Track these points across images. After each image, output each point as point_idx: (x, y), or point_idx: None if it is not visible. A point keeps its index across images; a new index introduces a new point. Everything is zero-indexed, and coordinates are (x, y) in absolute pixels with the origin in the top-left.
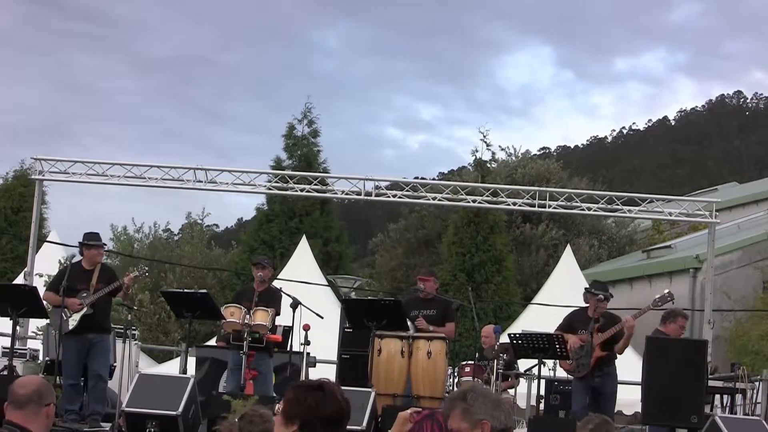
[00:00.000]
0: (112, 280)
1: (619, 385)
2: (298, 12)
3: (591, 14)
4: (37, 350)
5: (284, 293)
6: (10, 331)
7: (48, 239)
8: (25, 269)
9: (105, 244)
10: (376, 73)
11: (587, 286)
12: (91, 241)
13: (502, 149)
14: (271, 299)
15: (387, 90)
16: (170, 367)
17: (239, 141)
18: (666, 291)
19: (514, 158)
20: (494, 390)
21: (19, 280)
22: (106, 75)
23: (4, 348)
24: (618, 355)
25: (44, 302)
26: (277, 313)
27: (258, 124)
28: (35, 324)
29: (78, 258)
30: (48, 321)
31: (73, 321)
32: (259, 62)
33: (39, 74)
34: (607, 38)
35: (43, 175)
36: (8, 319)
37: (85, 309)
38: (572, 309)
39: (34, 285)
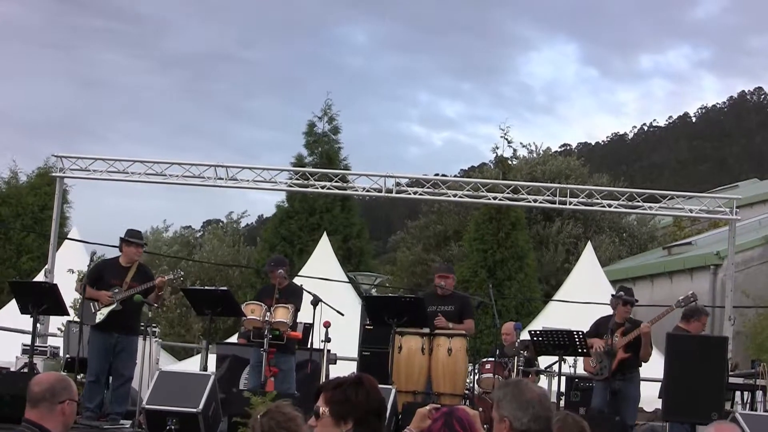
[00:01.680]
0: (147, 280)
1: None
2: (323, 8)
3: (615, 11)
4: (57, 348)
5: (305, 290)
6: (30, 329)
7: (69, 236)
8: (46, 267)
9: (146, 243)
10: (401, 70)
11: (610, 284)
12: (132, 238)
13: (524, 146)
14: (292, 295)
15: (412, 87)
16: (191, 364)
17: (262, 138)
18: (690, 292)
19: (535, 155)
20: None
21: (41, 277)
22: (129, 72)
23: (25, 345)
24: (644, 363)
25: (76, 295)
26: (298, 309)
27: (281, 120)
28: (59, 321)
29: (101, 253)
30: (69, 318)
31: (101, 315)
32: (282, 59)
33: (63, 71)
34: (632, 35)
35: (64, 173)
36: (29, 316)
37: (114, 305)
38: (592, 306)
39: (54, 282)
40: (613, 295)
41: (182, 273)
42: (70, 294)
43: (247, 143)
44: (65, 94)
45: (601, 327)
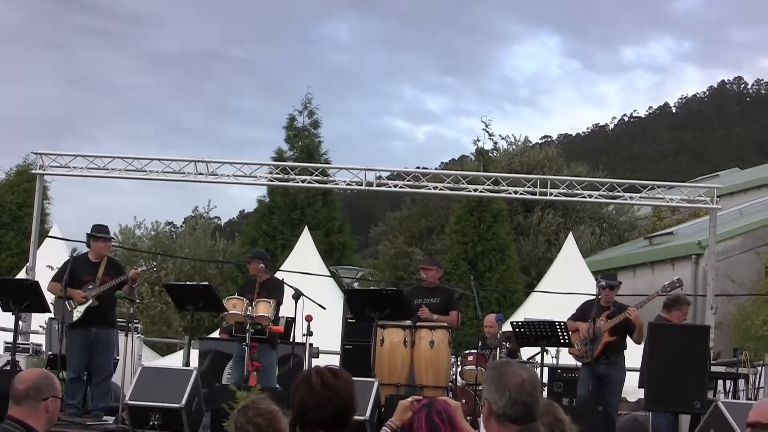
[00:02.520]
0: (119, 273)
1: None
2: (308, 5)
3: (599, 4)
4: (40, 345)
5: (286, 284)
6: (12, 326)
7: (50, 234)
8: (27, 264)
9: (113, 238)
10: (385, 66)
11: (591, 274)
12: (99, 233)
13: (503, 138)
14: (273, 290)
15: (396, 82)
16: (173, 360)
17: (249, 135)
18: (675, 278)
19: (514, 147)
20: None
21: (23, 274)
22: (117, 70)
23: (7, 343)
24: (637, 345)
25: (49, 293)
26: (280, 303)
27: (268, 117)
28: (41, 318)
29: (84, 250)
30: (51, 315)
31: (78, 312)
32: (269, 56)
33: (51, 70)
34: (614, 27)
35: (44, 170)
36: (10, 314)
37: (90, 301)
38: (575, 296)
39: (36, 279)
40: (597, 283)
41: (155, 263)
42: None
43: (235, 141)
44: (52, 93)
45: (586, 310)
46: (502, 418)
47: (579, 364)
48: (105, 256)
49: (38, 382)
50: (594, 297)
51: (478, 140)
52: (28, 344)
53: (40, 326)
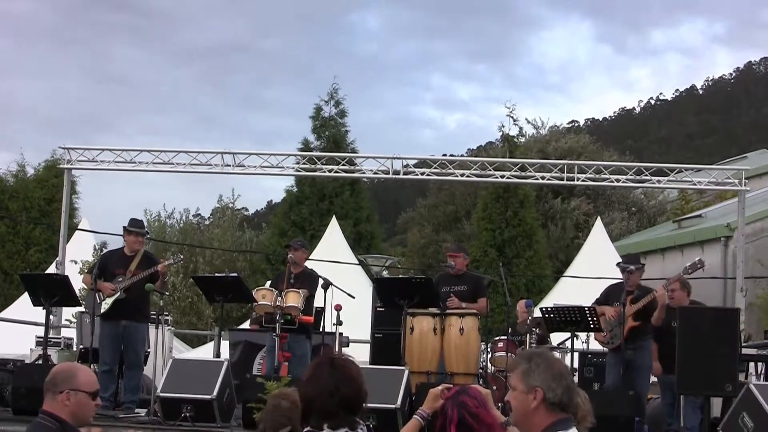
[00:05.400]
0: (151, 267)
1: None
2: None
3: None
4: (71, 339)
5: (319, 276)
6: (43, 320)
7: (79, 227)
8: (57, 258)
9: (147, 233)
10: (415, 54)
11: (619, 259)
12: (133, 227)
13: (529, 122)
14: (306, 280)
15: (426, 70)
16: (204, 352)
17: (278, 126)
18: (697, 258)
19: (542, 132)
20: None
21: (52, 269)
22: (145, 65)
23: (38, 337)
24: (655, 325)
25: (82, 285)
26: (311, 294)
27: (295, 108)
28: (69, 312)
29: (114, 243)
30: (81, 309)
31: (106, 305)
32: (298, 47)
33: (79, 67)
34: (645, 11)
35: (72, 164)
36: (41, 308)
37: (118, 293)
38: (604, 281)
39: (65, 274)
40: (618, 264)
41: (182, 257)
42: (79, 284)
43: (264, 133)
44: (80, 90)
45: (611, 295)
46: (556, 407)
47: (606, 349)
48: (140, 250)
49: (56, 375)
50: (618, 281)
51: (503, 126)
52: (60, 338)
53: (67, 320)
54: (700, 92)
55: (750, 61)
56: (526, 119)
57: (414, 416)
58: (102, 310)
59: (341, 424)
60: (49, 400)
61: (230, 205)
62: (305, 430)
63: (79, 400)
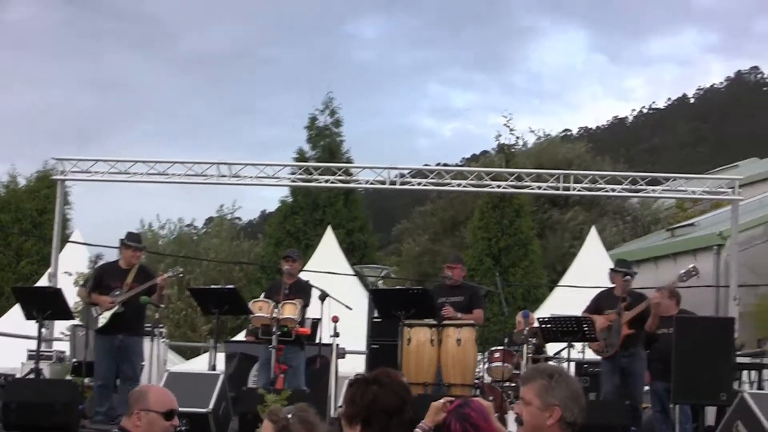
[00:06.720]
0: (148, 280)
1: None
2: (334, 4)
3: None
4: (63, 352)
5: (314, 286)
6: (35, 334)
7: (71, 239)
8: (49, 270)
9: (144, 247)
10: (411, 63)
11: (612, 266)
12: (131, 241)
13: (531, 131)
14: (300, 291)
15: (422, 79)
16: (199, 364)
17: (275, 136)
18: (691, 266)
19: (539, 140)
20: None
21: (44, 281)
22: (142, 74)
23: (30, 351)
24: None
25: (77, 299)
26: (307, 305)
27: (291, 117)
28: (63, 325)
29: (108, 255)
30: (74, 322)
31: (104, 318)
32: (292, 56)
33: (76, 76)
34: (640, 20)
35: (65, 175)
36: (34, 321)
37: (116, 307)
38: (599, 290)
39: (58, 287)
40: (611, 269)
41: (181, 269)
42: (73, 297)
43: (261, 142)
44: (75, 98)
45: (601, 302)
46: (569, 427)
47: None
48: (136, 264)
49: (131, 395)
50: (607, 288)
51: (500, 135)
52: (52, 351)
53: (62, 333)
54: (692, 101)
55: (740, 70)
56: (530, 128)
57: (415, 429)
58: (99, 324)
59: None
60: (125, 419)
61: (229, 215)
62: None
63: (151, 420)
